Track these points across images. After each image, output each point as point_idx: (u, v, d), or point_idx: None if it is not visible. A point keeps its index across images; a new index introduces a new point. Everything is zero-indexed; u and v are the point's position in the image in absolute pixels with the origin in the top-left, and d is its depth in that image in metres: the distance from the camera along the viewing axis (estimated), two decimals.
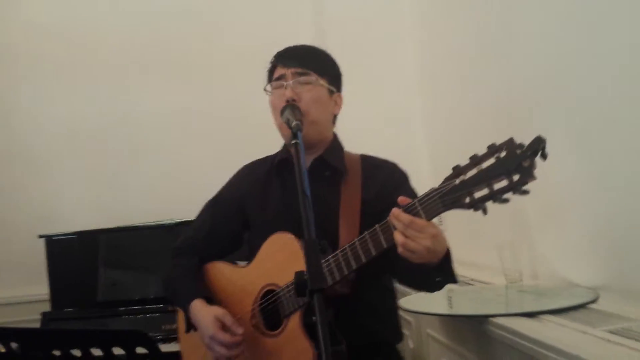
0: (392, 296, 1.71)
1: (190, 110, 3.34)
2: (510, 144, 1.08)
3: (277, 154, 1.74)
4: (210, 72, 3.33)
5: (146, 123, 3.34)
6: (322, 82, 1.62)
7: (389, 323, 1.66)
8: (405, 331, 2.39)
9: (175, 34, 3.36)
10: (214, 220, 1.76)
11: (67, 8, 3.36)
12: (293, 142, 1.34)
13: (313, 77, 1.59)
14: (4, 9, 3.33)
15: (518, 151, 1.07)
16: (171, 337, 2.60)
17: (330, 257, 1.41)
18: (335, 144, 1.71)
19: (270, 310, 1.55)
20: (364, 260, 1.36)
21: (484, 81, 2.31)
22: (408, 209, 1.25)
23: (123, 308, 2.74)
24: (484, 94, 2.33)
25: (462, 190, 1.16)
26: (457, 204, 1.17)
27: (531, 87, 1.97)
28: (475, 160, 1.14)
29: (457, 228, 2.67)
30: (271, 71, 1.68)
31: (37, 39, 3.32)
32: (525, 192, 1.08)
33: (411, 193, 1.62)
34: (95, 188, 3.31)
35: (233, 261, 1.75)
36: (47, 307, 2.82)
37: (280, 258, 1.54)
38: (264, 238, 1.60)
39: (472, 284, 2.27)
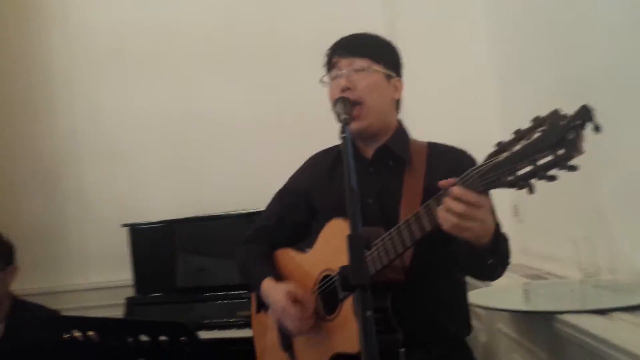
0: (459, 287, 1.66)
1: (267, 103, 3.38)
2: (554, 115, 1.00)
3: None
4: (283, 65, 3.36)
5: (225, 116, 3.42)
6: (378, 67, 1.58)
7: (453, 314, 1.61)
8: (477, 325, 2.33)
9: (250, 29, 3.42)
10: (282, 209, 1.80)
11: (148, 7, 3.50)
12: (342, 135, 1.32)
13: (366, 63, 1.56)
14: (88, 10, 3.51)
15: (562, 123, 0.98)
16: (246, 323, 2.68)
17: (378, 240, 1.40)
18: (400, 132, 1.67)
19: (327, 294, 1.57)
20: (408, 243, 1.34)
21: (558, 62, 2.18)
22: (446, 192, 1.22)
23: (201, 294, 2.85)
24: (559, 75, 2.20)
25: (504, 167, 1.09)
26: (498, 182, 1.11)
27: (612, 66, 1.83)
28: (519, 135, 1.07)
29: (533, 219, 2.57)
30: (328, 62, 1.67)
31: (120, 38, 3.49)
32: (573, 168, 0.99)
33: None
34: (176, 179, 3.44)
35: (301, 247, 1.78)
36: (131, 293, 2.99)
37: (336, 243, 1.54)
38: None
39: (546, 278, 2.17)
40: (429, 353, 1.52)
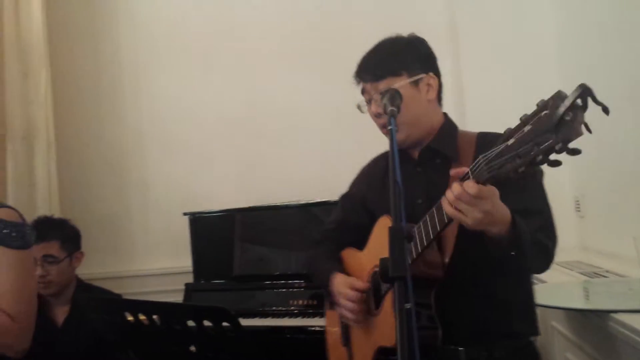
0: (520, 285, 1.59)
1: (329, 95, 3.39)
2: (556, 97, 0.96)
3: None
4: (347, 57, 3.34)
5: (287, 107, 3.46)
6: (401, 81, 1.54)
7: (514, 313, 1.54)
8: None
9: (314, 21, 3.45)
10: (344, 213, 1.84)
11: (213, 1, 3.57)
12: (388, 127, 1.32)
13: (388, 84, 1.54)
14: (154, 6, 3.62)
15: (562, 105, 0.94)
16: (299, 312, 2.73)
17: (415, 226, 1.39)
18: (445, 129, 1.63)
19: (375, 289, 1.58)
20: (431, 236, 1.33)
21: (629, 61, 2.09)
22: (461, 179, 1.21)
23: (257, 282, 2.91)
24: (629, 75, 2.11)
25: (509, 153, 1.05)
26: (503, 169, 1.07)
27: None
28: (524, 120, 1.03)
29: (594, 215, 2.48)
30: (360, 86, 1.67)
31: (186, 32, 3.58)
32: (576, 152, 0.94)
33: None
34: (237, 170, 3.52)
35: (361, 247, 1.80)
36: (190, 279, 3.09)
37: (383, 240, 1.54)
38: None
39: (606, 276, 2.10)
40: (490, 354, 1.48)
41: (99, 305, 1.68)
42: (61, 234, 2.44)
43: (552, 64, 2.90)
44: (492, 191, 1.21)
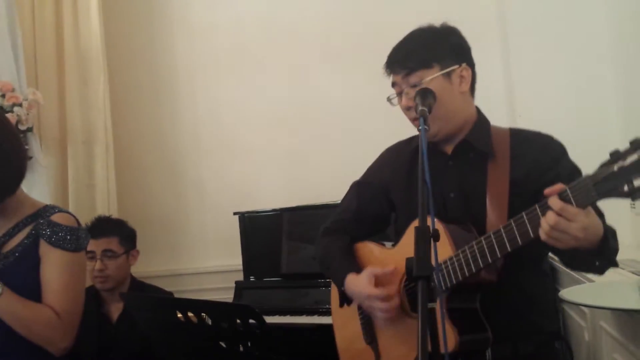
0: (546, 280, 1.60)
1: (377, 96, 3.38)
2: None
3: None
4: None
5: (336, 109, 3.49)
6: (432, 73, 1.52)
7: (540, 308, 1.54)
8: (582, 323, 2.23)
9: (355, 21, 3.46)
10: (359, 201, 1.79)
11: (265, 4, 3.64)
12: (419, 128, 1.33)
13: (419, 77, 1.52)
14: (208, 10, 3.71)
15: None
16: None
17: (474, 242, 1.37)
18: (479, 123, 1.59)
19: (415, 292, 1.56)
20: (509, 249, 1.30)
21: None
22: (560, 197, 1.18)
23: (304, 281, 2.95)
24: None
25: (619, 177, 1.05)
26: (614, 192, 1.07)
27: None
28: (636, 144, 1.03)
29: None
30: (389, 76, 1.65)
31: (238, 35, 3.66)
32: None
33: (570, 169, 1.49)
34: (287, 170, 3.57)
35: (381, 242, 1.78)
36: (240, 277, 3.16)
37: None
38: (409, 221, 1.58)
39: None
40: (516, 349, 1.48)
41: (133, 301, 1.77)
42: (120, 231, 2.56)
43: (605, 55, 2.80)
44: (587, 215, 1.19)
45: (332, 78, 3.50)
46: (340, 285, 1.68)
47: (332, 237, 1.81)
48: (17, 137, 1.74)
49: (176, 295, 2.63)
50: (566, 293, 1.83)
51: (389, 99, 1.63)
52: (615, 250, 1.36)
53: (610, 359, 1.89)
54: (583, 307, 2.15)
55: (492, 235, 1.33)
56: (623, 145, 1.09)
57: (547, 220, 1.18)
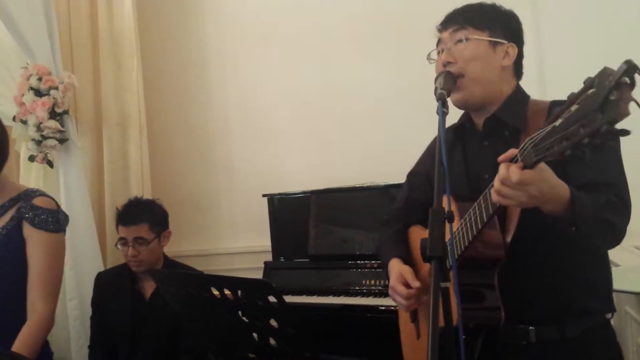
0: (592, 261, 1.49)
1: (403, 80, 3.39)
2: (602, 75, 0.91)
3: (457, 122, 1.69)
4: (418, 39, 3.28)
5: (364, 93, 3.49)
6: (480, 35, 1.52)
7: (586, 290, 1.47)
8: None
9: (387, 8, 3.44)
10: (410, 190, 1.84)
11: None
12: (437, 111, 1.34)
13: (466, 33, 1.52)
14: None
15: (607, 82, 0.89)
16: (370, 292, 2.78)
17: (465, 215, 1.38)
18: (513, 98, 1.56)
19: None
20: (485, 218, 1.30)
21: None
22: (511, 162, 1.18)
23: (332, 262, 2.99)
24: None
25: (554, 136, 1.00)
26: (551, 151, 1.02)
27: None
28: (571, 99, 0.98)
29: None
30: (438, 39, 1.63)
31: (267, 20, 3.68)
32: (624, 132, 0.89)
33: None
34: (315, 153, 3.60)
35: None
36: (269, 257, 3.22)
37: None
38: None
39: None
40: (563, 333, 1.43)
41: (158, 276, 1.84)
42: (150, 216, 2.60)
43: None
44: (539, 175, 1.15)
45: (360, 62, 3.50)
46: (386, 271, 1.74)
47: (387, 226, 1.88)
48: None
49: None
50: None
51: (428, 57, 1.63)
52: (610, 224, 1.29)
53: (635, 343, 1.89)
54: None
55: (475, 205, 1.34)
56: None
57: (498, 177, 1.18)
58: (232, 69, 3.76)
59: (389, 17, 3.42)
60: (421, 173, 1.80)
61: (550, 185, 1.19)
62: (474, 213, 1.35)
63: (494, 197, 1.21)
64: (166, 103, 3.80)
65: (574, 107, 0.96)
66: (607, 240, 1.36)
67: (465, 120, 1.64)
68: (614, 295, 2.07)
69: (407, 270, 1.62)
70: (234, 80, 3.76)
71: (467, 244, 1.38)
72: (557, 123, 1.00)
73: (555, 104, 1.51)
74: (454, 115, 1.69)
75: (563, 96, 1.56)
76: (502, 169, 1.18)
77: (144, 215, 2.58)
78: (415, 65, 3.26)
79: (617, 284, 1.76)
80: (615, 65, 0.98)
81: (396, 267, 1.66)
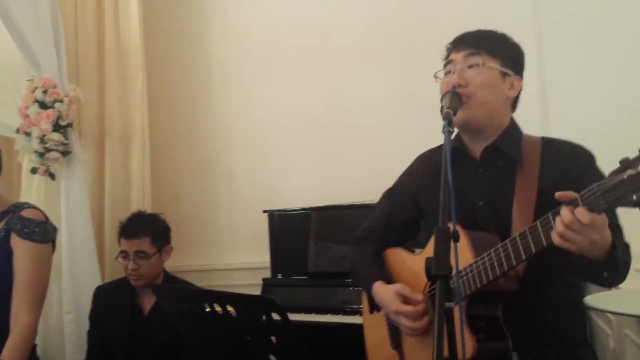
0: (574, 290, 1.59)
1: (405, 95, 3.41)
2: None
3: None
4: (422, 56, 3.32)
5: (367, 109, 3.49)
6: (493, 64, 1.54)
7: (567, 318, 1.54)
8: (607, 330, 2.21)
9: (388, 19, 3.46)
10: (391, 209, 1.81)
11: (297, 4, 3.67)
12: (443, 130, 1.35)
13: (481, 59, 1.54)
14: (244, 9, 3.77)
15: None
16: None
17: (492, 250, 1.38)
18: (510, 130, 1.61)
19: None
20: (524, 257, 1.32)
21: None
22: (568, 205, 1.19)
23: (331, 279, 2.96)
24: None
25: (629, 185, 1.05)
26: (622, 200, 1.07)
27: None
28: None
29: None
30: (446, 58, 1.65)
31: (271, 34, 3.69)
32: None
33: (597, 178, 1.49)
34: (317, 169, 3.59)
35: (411, 248, 1.79)
36: (267, 274, 3.20)
37: None
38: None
39: None
40: (542, 358, 1.48)
41: (160, 292, 1.84)
42: (152, 230, 2.59)
43: None
44: (604, 220, 1.20)
45: (365, 79, 3.51)
46: (369, 292, 1.72)
47: (362, 244, 1.84)
48: None
49: None
50: (591, 300, 1.83)
51: (435, 76, 1.65)
52: (626, 264, 1.36)
53: None
54: (609, 314, 2.14)
55: (508, 244, 1.34)
56: None
57: (563, 219, 1.19)
58: (237, 84, 3.77)
59: (395, 35, 3.44)
60: (405, 192, 1.79)
61: (606, 231, 1.24)
62: (506, 249, 1.35)
63: (557, 240, 1.23)
64: (169, 117, 3.82)
65: None
66: (621, 279, 1.40)
67: (459, 144, 1.65)
68: (615, 317, 2.09)
69: (401, 287, 1.60)
70: (237, 95, 3.77)
71: (492, 278, 1.38)
72: (628, 174, 1.05)
73: (547, 140, 1.59)
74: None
75: (566, 123, 1.59)
76: (566, 212, 1.19)
77: (146, 229, 2.57)
78: (420, 84, 3.30)
79: (616, 307, 1.77)
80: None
81: (387, 289, 1.63)
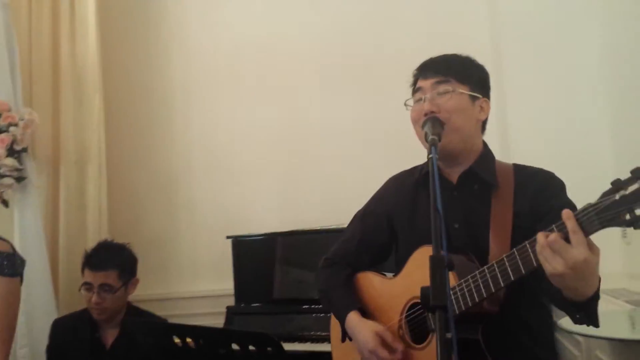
0: (545, 312, 1.61)
1: (369, 120, 3.44)
2: None
3: (423, 165, 1.70)
4: (385, 82, 3.38)
5: (330, 134, 3.51)
6: (462, 89, 1.57)
7: (540, 339, 1.56)
8: (576, 352, 2.25)
9: (355, 46, 3.50)
10: (363, 232, 1.80)
11: (259, 28, 3.66)
12: (429, 156, 1.35)
13: (451, 86, 1.55)
14: (205, 33, 3.74)
15: None
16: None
17: (477, 272, 1.38)
18: (485, 155, 1.64)
19: (417, 323, 1.56)
20: (512, 278, 1.31)
21: None
22: (559, 227, 1.19)
23: (297, 306, 2.92)
24: None
25: (621, 206, 1.07)
26: (615, 220, 1.09)
27: None
28: (637, 173, 1.06)
29: (636, 241, 2.43)
30: (414, 84, 1.67)
31: (233, 58, 3.68)
32: None
33: (568, 205, 1.53)
34: (280, 194, 3.57)
35: (381, 272, 1.78)
36: (231, 302, 3.13)
37: (425, 271, 1.54)
38: (410, 251, 1.60)
39: None
40: None
41: (148, 328, 1.75)
42: (119, 263, 2.50)
43: (597, 89, 2.88)
44: (596, 261, 1.19)
45: (328, 102, 3.53)
46: (342, 322, 1.69)
47: (333, 269, 1.81)
48: None
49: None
50: (562, 322, 1.86)
51: (405, 104, 1.65)
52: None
53: None
54: (577, 337, 2.18)
55: (495, 265, 1.34)
56: (614, 173, 1.11)
57: (548, 236, 1.20)
58: (198, 107, 3.72)
59: (358, 58, 3.48)
60: (379, 213, 1.77)
61: (594, 280, 1.23)
62: (493, 270, 1.34)
63: (542, 249, 1.21)
64: (128, 140, 3.72)
65: None
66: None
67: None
68: (584, 340, 2.13)
69: (383, 330, 1.58)
70: (199, 118, 3.72)
71: (477, 300, 1.37)
72: (620, 195, 1.08)
73: (519, 167, 1.62)
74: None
75: (525, 156, 1.64)
76: (544, 237, 1.20)
77: (114, 261, 2.47)
78: (383, 109, 3.37)
79: (587, 329, 1.80)
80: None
81: (365, 325, 1.61)
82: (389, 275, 1.74)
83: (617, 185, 1.09)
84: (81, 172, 3.33)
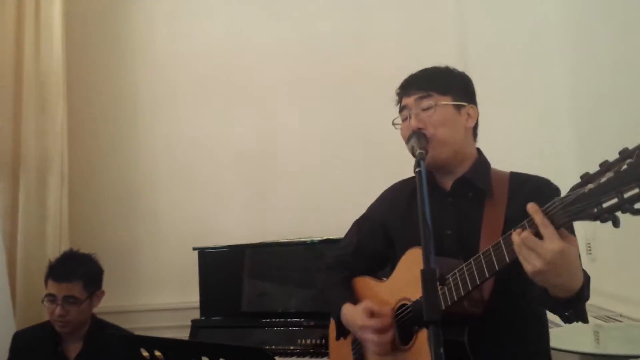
0: (540, 320, 1.60)
1: (337, 132, 3.46)
2: None
3: None
4: (357, 95, 3.43)
5: (296, 146, 3.52)
6: (445, 100, 1.58)
7: (532, 348, 1.56)
8: None
9: (323, 58, 3.51)
10: (360, 238, 1.82)
11: (227, 40, 3.65)
12: (416, 170, 1.36)
13: (433, 100, 1.57)
14: (172, 43, 3.69)
15: None
16: (306, 352, 2.71)
17: (456, 270, 1.39)
18: (479, 162, 1.65)
19: (404, 323, 1.57)
20: (487, 275, 1.32)
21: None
22: (529, 221, 1.20)
23: (263, 320, 2.89)
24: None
25: (589, 199, 1.07)
26: (582, 214, 1.09)
27: None
28: (605, 167, 1.06)
29: (606, 258, 2.50)
30: (399, 103, 1.68)
31: (199, 69, 3.64)
32: None
33: None
34: (246, 206, 3.53)
35: (379, 276, 1.80)
36: (197, 315, 3.06)
37: (413, 272, 1.52)
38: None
39: (620, 321, 2.11)
40: None
41: (118, 341, 1.69)
42: (85, 274, 2.40)
43: (564, 111, 2.96)
44: (575, 253, 1.20)
45: (296, 113, 3.53)
46: (337, 316, 1.71)
47: (331, 272, 1.85)
48: None
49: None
50: (554, 339, 1.88)
51: (393, 123, 1.66)
52: (584, 310, 1.36)
53: None
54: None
55: (472, 262, 1.35)
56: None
57: (520, 234, 1.20)
58: (163, 116, 3.66)
59: (328, 71, 3.49)
60: (375, 220, 1.80)
61: (578, 274, 1.23)
62: (470, 268, 1.35)
63: (518, 247, 1.20)
64: (91, 149, 3.62)
65: (608, 175, 1.04)
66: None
67: (428, 176, 1.67)
68: (555, 354, 2.16)
69: (369, 302, 1.59)
70: (164, 127, 3.66)
71: (456, 298, 1.38)
72: (589, 187, 1.08)
73: (515, 174, 1.63)
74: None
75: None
76: (517, 235, 1.20)
77: (78, 272, 2.37)
78: (352, 120, 3.40)
79: (557, 343, 1.84)
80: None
81: (354, 307, 1.63)
82: (385, 279, 1.77)
83: (586, 178, 1.09)
84: (42, 180, 3.22)
